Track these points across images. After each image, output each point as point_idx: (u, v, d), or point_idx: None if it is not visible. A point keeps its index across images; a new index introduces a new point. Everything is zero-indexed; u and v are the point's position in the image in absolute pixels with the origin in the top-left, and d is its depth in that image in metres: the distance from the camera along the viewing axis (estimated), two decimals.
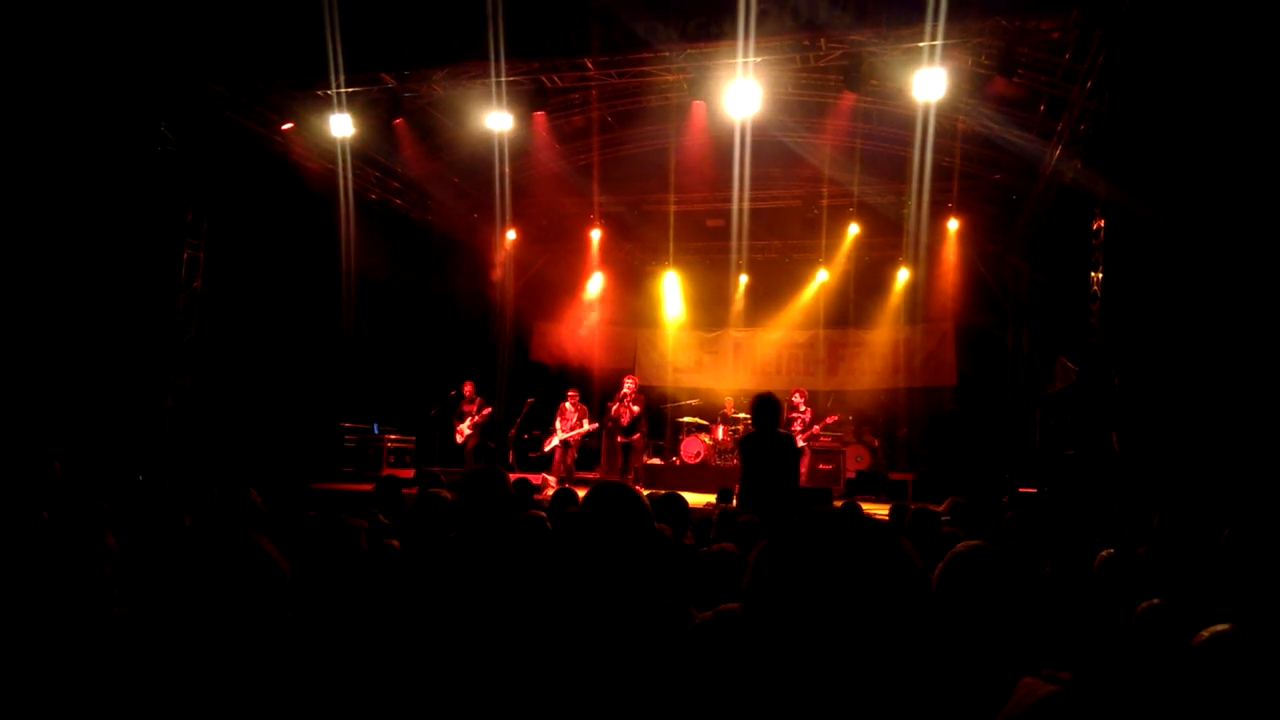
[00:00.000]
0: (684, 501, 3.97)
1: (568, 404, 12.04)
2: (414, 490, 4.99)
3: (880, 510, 7.11)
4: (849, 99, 10.88)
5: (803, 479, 11.60)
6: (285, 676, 1.69)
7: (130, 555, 2.88)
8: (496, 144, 11.77)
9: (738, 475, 6.08)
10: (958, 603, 1.95)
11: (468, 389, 12.29)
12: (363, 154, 12.45)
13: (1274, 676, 1.40)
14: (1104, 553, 2.70)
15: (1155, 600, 2.28)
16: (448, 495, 3.89)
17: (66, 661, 1.90)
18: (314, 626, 2.05)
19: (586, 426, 11.87)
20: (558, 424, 12.03)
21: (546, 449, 12.10)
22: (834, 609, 1.06)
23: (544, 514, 3.06)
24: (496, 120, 10.90)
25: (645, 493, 4.08)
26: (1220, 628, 1.47)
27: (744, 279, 16.00)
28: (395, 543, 3.65)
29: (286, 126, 11.34)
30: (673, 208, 14.98)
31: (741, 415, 13.42)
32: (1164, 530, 3.46)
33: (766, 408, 5.91)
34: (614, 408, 11.92)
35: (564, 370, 15.57)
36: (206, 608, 1.69)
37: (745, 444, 5.99)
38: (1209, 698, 1.45)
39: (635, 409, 11.76)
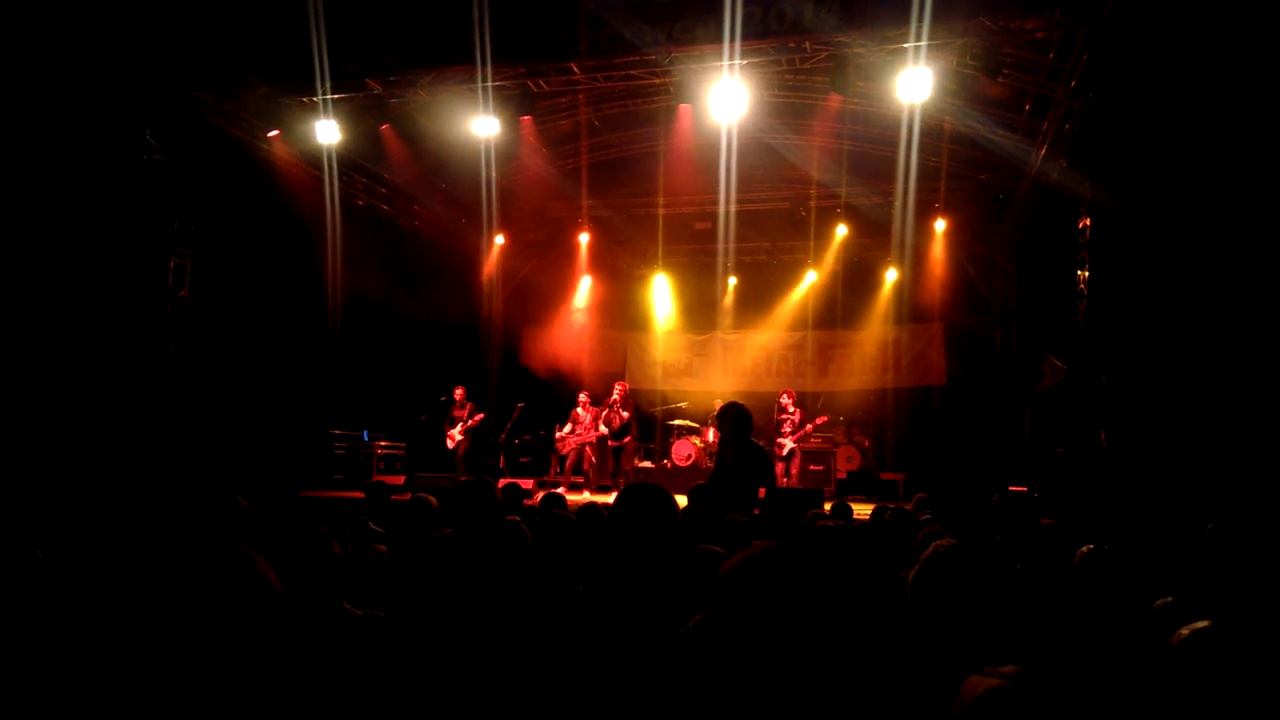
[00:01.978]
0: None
1: (579, 409, 12.06)
2: (406, 496, 4.98)
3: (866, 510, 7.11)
4: (835, 100, 10.92)
5: (794, 480, 11.63)
6: (273, 692, 1.68)
7: (121, 564, 2.87)
8: (483, 149, 11.75)
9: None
10: (933, 603, 1.96)
11: (458, 394, 12.26)
12: (349, 160, 12.42)
13: (1254, 672, 1.41)
14: (1083, 549, 2.72)
15: (1169, 599, 2.29)
16: (434, 502, 3.90)
17: (54, 668, 1.89)
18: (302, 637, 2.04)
19: (603, 430, 11.84)
20: (569, 428, 12.06)
21: (565, 452, 12.11)
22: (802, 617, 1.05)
23: (518, 519, 3.06)
24: (483, 125, 10.88)
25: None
26: (1200, 625, 1.48)
27: (733, 281, 16.03)
28: (382, 548, 3.65)
29: (272, 133, 11.30)
30: (661, 211, 14.97)
31: None
32: (1150, 527, 3.47)
33: (724, 416, 5.96)
34: (604, 413, 11.92)
35: (557, 374, 15.56)
36: (198, 626, 1.68)
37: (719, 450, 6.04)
38: (1190, 693, 1.46)
39: (625, 414, 11.76)
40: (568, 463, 11.99)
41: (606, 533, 2.34)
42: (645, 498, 2.29)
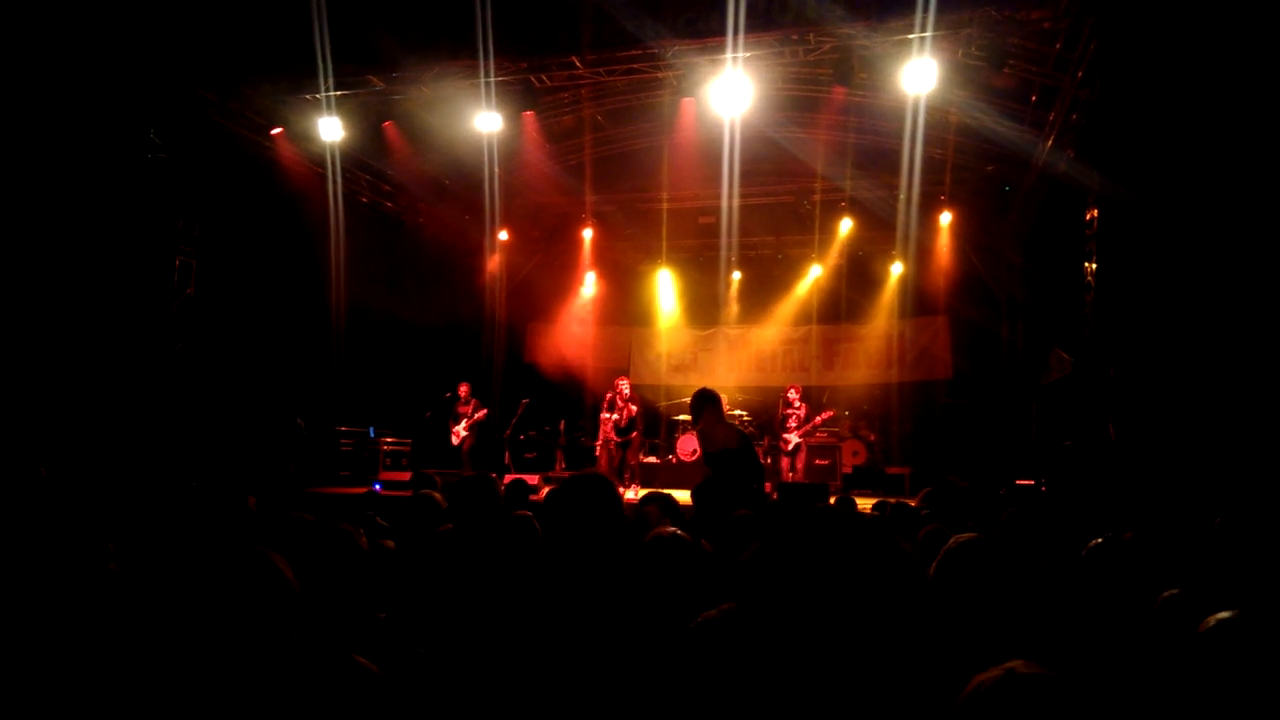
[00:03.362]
0: (673, 501, 3.96)
1: (606, 409, 12.12)
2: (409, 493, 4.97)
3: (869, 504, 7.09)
4: (840, 93, 10.85)
5: (799, 475, 11.60)
6: (287, 692, 1.67)
7: (130, 564, 2.85)
8: (486, 144, 11.73)
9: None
10: (954, 596, 1.93)
11: (463, 391, 12.26)
12: (352, 157, 12.41)
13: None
14: (1092, 542, 2.69)
15: (1174, 590, 2.27)
16: (439, 498, 3.88)
17: (64, 667, 1.88)
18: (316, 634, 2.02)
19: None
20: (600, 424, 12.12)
21: (598, 451, 12.18)
22: (827, 605, 1.04)
23: (530, 514, 3.04)
24: (486, 121, 10.86)
25: (644, 492, 4.06)
26: (1225, 615, 1.46)
27: (737, 275, 15.99)
28: (390, 543, 3.63)
29: (275, 131, 11.29)
30: (665, 205, 14.94)
31: (737, 412, 13.40)
32: (1158, 520, 3.44)
33: (698, 404, 5.95)
34: (612, 410, 11.92)
35: (562, 370, 15.57)
36: (214, 624, 1.68)
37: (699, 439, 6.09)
38: (1217, 683, 1.43)
39: (634, 408, 11.76)
40: (601, 463, 12.06)
41: (544, 522, 2.33)
42: (583, 488, 2.28)
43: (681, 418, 14.08)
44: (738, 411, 13.44)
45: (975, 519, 4.56)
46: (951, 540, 2.02)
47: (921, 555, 3.24)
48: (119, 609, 2.29)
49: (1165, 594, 2.35)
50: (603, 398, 12.31)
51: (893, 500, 5.28)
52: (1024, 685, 1.17)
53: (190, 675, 1.62)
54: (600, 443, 12.08)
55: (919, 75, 9.15)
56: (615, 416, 11.72)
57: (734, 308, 16.11)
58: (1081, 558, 2.81)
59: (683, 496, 4.50)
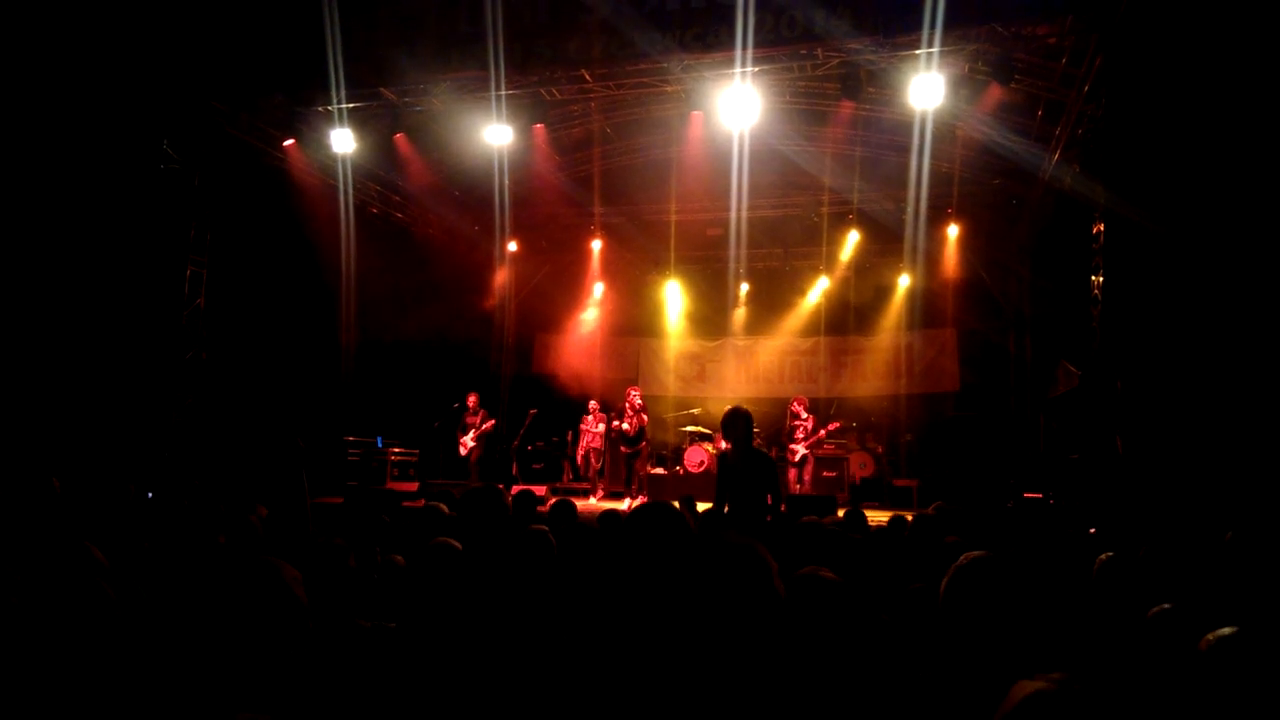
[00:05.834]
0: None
1: (590, 415, 12.21)
2: (419, 503, 5.01)
3: (882, 517, 7.09)
4: (847, 107, 10.91)
5: (806, 486, 11.58)
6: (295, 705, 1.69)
7: (137, 571, 2.89)
8: (496, 157, 11.80)
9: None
10: (965, 613, 1.96)
11: (471, 401, 12.30)
12: (364, 168, 12.50)
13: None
14: (1102, 556, 2.70)
15: (1165, 605, 2.29)
16: (446, 509, 3.91)
17: (64, 676, 1.91)
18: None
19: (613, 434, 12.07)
20: (582, 433, 12.22)
21: (580, 459, 12.29)
22: None
23: (546, 528, 3.07)
24: (496, 133, 10.93)
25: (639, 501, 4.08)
26: (1225, 631, 1.48)
27: (745, 287, 16.02)
28: (399, 559, 3.66)
29: (288, 142, 11.39)
30: (673, 217, 15.00)
31: None
32: (1167, 533, 3.45)
33: (734, 422, 5.87)
34: (616, 421, 11.98)
35: (570, 381, 15.60)
36: (219, 637, 1.69)
37: (719, 461, 6.01)
38: (1217, 700, 1.45)
39: (644, 419, 11.80)
40: (591, 470, 12.17)
41: (616, 554, 2.32)
42: (656, 519, 2.27)
43: (690, 429, 14.10)
44: None
45: (986, 532, 4.58)
46: (962, 556, 2.04)
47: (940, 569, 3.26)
48: (129, 617, 2.33)
49: (1168, 609, 2.36)
50: (611, 407, 12.38)
51: (931, 511, 5.28)
52: (1075, 698, 1.16)
53: (195, 685, 1.64)
54: (582, 452, 12.22)
55: (926, 90, 9.19)
56: (625, 425, 11.77)
57: (742, 319, 16.14)
58: (1094, 574, 2.83)
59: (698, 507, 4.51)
